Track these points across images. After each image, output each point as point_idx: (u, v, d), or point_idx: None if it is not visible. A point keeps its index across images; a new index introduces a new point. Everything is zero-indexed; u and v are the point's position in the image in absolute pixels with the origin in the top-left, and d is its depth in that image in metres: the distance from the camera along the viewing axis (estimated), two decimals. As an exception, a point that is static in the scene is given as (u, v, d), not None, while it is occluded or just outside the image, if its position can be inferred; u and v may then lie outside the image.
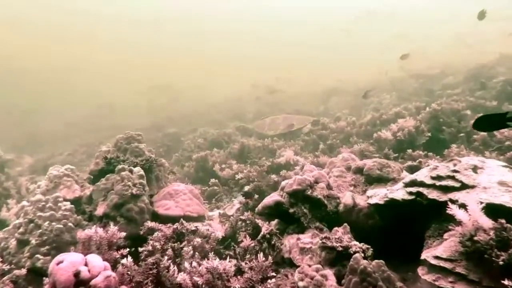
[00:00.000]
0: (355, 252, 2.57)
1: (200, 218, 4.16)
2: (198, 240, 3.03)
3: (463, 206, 2.26)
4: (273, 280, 2.30)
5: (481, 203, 2.26)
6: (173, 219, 3.60)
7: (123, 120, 18.13)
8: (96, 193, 4.06)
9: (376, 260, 2.37)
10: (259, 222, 3.55)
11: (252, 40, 47.63)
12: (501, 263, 1.91)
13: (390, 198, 3.03)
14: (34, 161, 11.49)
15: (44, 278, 2.39)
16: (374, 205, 3.19)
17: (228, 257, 2.43)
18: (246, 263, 2.42)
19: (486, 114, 2.67)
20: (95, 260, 2.01)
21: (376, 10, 36.37)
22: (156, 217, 3.89)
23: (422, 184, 2.91)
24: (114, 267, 2.28)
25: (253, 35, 47.34)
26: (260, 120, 11.13)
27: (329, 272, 2.53)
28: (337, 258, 2.70)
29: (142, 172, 4.05)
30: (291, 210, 3.33)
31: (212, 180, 6.31)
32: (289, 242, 3.12)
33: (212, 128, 12.08)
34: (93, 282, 1.89)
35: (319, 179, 3.59)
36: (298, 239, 3.09)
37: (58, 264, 1.92)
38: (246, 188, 4.99)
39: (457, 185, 2.70)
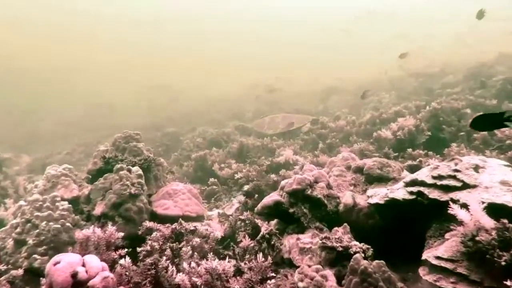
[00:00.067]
0: (355, 252, 2.55)
1: (199, 218, 4.14)
2: (197, 240, 3.00)
3: (464, 206, 2.24)
4: (273, 280, 2.28)
5: (483, 202, 2.23)
6: (171, 219, 3.58)
7: (123, 120, 18.09)
8: (94, 192, 4.04)
9: (376, 261, 2.35)
10: (259, 222, 3.53)
11: (252, 40, 47.65)
12: (503, 263, 1.89)
13: (391, 197, 3.01)
14: (32, 160, 11.43)
15: (41, 278, 2.36)
16: (374, 204, 3.16)
17: (227, 257, 2.41)
18: (245, 264, 2.40)
19: (483, 114, 2.65)
20: (93, 261, 1.99)
21: (376, 10, 36.40)
22: (154, 217, 3.86)
23: (423, 183, 2.88)
24: (112, 268, 2.25)
25: (253, 35, 47.37)
26: (259, 119, 11.09)
27: (329, 273, 2.51)
28: (337, 259, 2.68)
29: (140, 172, 4.03)
30: (291, 210, 3.31)
31: (211, 179, 6.28)
32: (289, 242, 3.10)
33: (211, 128, 12.07)
34: (90, 283, 1.87)
35: (319, 178, 3.56)
36: (298, 239, 3.07)
37: (55, 264, 1.90)
38: (246, 187, 4.98)
39: (459, 184, 2.67)
